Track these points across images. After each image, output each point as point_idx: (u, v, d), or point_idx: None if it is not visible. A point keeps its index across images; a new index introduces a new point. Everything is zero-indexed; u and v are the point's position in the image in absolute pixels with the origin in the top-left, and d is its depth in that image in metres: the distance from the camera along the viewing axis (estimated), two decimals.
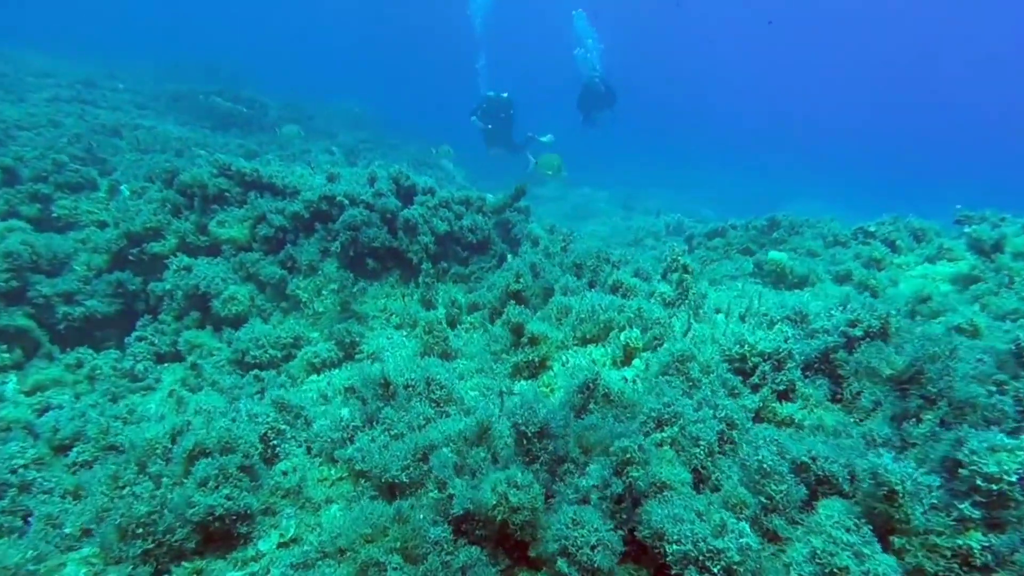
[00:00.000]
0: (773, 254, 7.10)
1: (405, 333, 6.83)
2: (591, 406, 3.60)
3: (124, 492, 3.46)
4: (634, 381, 4.00)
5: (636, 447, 2.85)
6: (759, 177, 31.82)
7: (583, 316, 4.49)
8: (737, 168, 34.47)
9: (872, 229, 7.79)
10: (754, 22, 50.14)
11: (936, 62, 52.30)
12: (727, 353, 3.79)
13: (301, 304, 7.15)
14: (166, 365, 7.07)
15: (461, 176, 21.92)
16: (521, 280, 5.77)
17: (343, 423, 4.04)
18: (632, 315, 4.39)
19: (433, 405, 4.10)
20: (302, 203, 7.49)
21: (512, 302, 5.81)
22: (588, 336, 4.48)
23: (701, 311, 4.82)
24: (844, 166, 37.17)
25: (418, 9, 48.72)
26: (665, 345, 4.23)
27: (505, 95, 18.32)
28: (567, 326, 4.65)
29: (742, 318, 4.83)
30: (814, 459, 2.85)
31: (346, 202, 7.51)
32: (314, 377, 6.41)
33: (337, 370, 6.49)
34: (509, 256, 7.68)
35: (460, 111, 19.67)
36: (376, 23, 51.71)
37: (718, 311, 5.11)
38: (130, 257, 7.54)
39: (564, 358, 4.39)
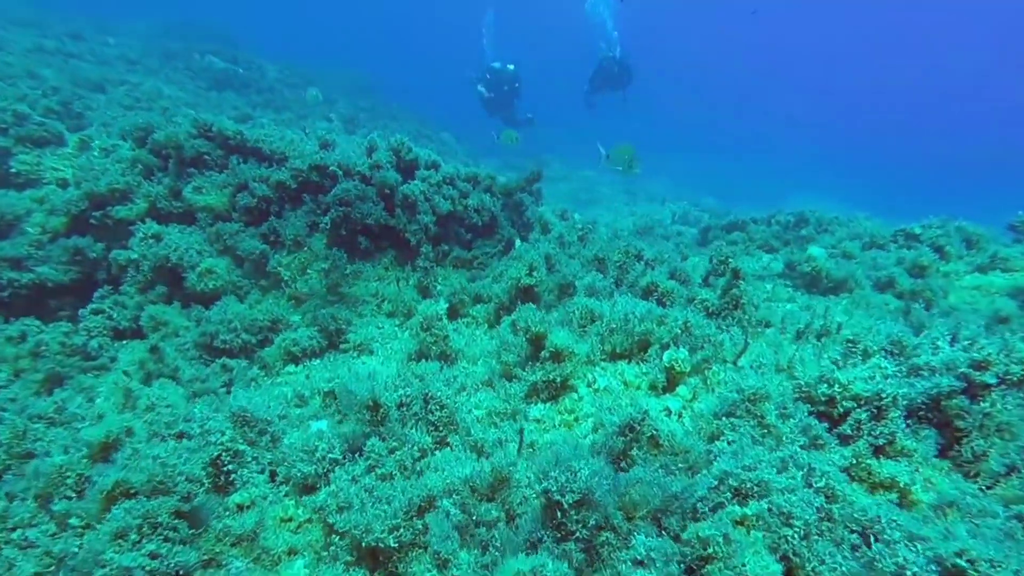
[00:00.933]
0: (815, 250, 6.20)
1: (398, 322, 5.89)
2: (634, 450, 2.71)
3: (14, 537, 2.54)
4: (680, 415, 3.11)
5: (721, 536, 1.96)
6: (760, 168, 30.86)
7: (614, 326, 3.59)
8: (735, 157, 33.49)
9: (917, 231, 6.89)
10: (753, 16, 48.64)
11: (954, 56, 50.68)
12: (808, 392, 2.91)
13: (283, 283, 6.18)
14: (125, 343, 6.10)
15: (463, 151, 20.83)
16: (535, 274, 4.84)
17: (318, 449, 3.12)
18: (678, 329, 3.49)
19: (431, 430, 3.20)
20: (289, 172, 6.48)
21: (522, 298, 4.90)
22: (619, 351, 3.59)
23: (757, 327, 3.94)
24: (848, 163, 36.20)
25: None
26: (715, 370, 3.34)
27: (511, 67, 17.14)
28: (593, 336, 3.75)
29: (799, 335, 3.94)
30: (972, 562, 1.98)
31: (340, 173, 6.51)
32: (291, 368, 5.48)
33: (319, 360, 5.56)
34: (518, 242, 6.73)
35: (462, 80, 18.50)
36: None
37: (766, 324, 4.22)
38: (92, 221, 6.51)
39: (590, 377, 3.50)
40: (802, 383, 2.93)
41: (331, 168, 6.48)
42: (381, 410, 3.16)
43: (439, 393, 3.31)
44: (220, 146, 6.86)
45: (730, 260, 4.18)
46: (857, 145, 44.87)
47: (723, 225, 8.85)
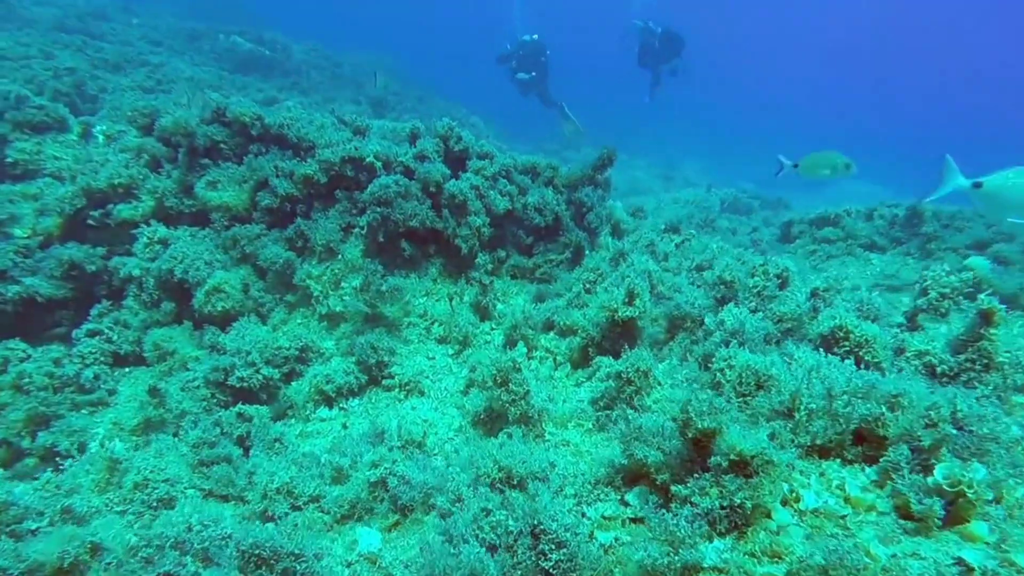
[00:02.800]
0: (977, 260, 4.80)
1: (452, 351, 4.62)
2: None
3: None
4: None
5: None
6: (793, 150, 28.81)
7: (811, 405, 2.28)
8: (765, 138, 31.40)
9: None
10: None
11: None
12: None
13: (312, 299, 4.94)
14: (127, 370, 4.95)
15: (493, 134, 19.36)
16: (637, 303, 3.52)
17: None
18: (935, 419, 2.12)
19: None
20: (318, 164, 5.19)
21: (619, 333, 3.59)
22: (821, 442, 2.28)
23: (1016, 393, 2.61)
24: (888, 145, 33.72)
25: None
26: (1019, 492, 2.02)
27: (535, 36, 15.49)
28: (766, 417, 2.44)
29: None
30: None
31: (378, 165, 5.21)
32: (324, 412, 4.27)
33: (357, 400, 4.34)
34: (586, 246, 5.40)
35: (495, 65, 16.95)
36: None
37: None
38: (90, 222, 5.32)
39: (787, 489, 2.20)
40: None
41: (368, 160, 5.17)
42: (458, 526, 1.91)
43: (552, 524, 2.05)
44: (238, 133, 5.58)
45: (981, 295, 2.73)
46: (886, 121, 42.15)
47: (811, 219, 7.40)
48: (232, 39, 17.97)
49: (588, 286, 4.53)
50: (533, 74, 14.72)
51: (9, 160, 6.51)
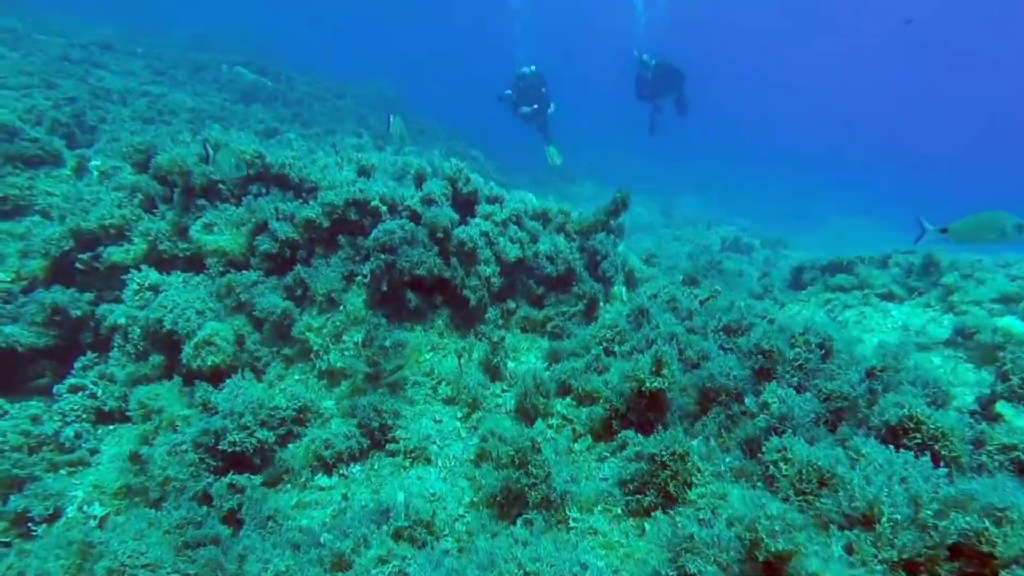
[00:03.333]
0: (1009, 321, 4.53)
1: (460, 414, 4.26)
2: None
3: None
4: None
5: None
6: (784, 185, 28.88)
7: (896, 516, 1.94)
8: (754, 173, 31.38)
9: None
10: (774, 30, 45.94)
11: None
12: None
13: (312, 353, 4.59)
14: (112, 427, 4.56)
15: (493, 169, 19.21)
16: (665, 372, 3.20)
17: None
18: None
19: None
20: (320, 207, 4.89)
21: (646, 406, 3.26)
22: (908, 558, 1.94)
23: None
24: (875, 178, 33.84)
25: None
26: None
27: (533, 68, 15.33)
28: (832, 524, 2.11)
29: None
30: None
31: (383, 208, 4.92)
32: (323, 480, 3.89)
33: (359, 467, 3.97)
34: (600, 298, 5.09)
35: (496, 101, 16.87)
36: (409, 6, 47.30)
37: None
38: (78, 266, 4.98)
39: None
40: None
41: (373, 203, 4.89)
42: None
43: None
44: None
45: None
46: (892, 159, 42.34)
47: (822, 265, 7.14)
48: (235, 69, 17.91)
49: (607, 345, 4.21)
50: (535, 106, 14.58)
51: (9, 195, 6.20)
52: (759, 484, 2.52)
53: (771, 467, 2.37)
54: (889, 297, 6.28)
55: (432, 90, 33.35)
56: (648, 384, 3.21)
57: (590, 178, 21.30)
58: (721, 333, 3.82)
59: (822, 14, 39.59)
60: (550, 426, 3.85)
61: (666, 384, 3.21)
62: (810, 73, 50.00)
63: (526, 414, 3.97)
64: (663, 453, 2.80)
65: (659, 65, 14.41)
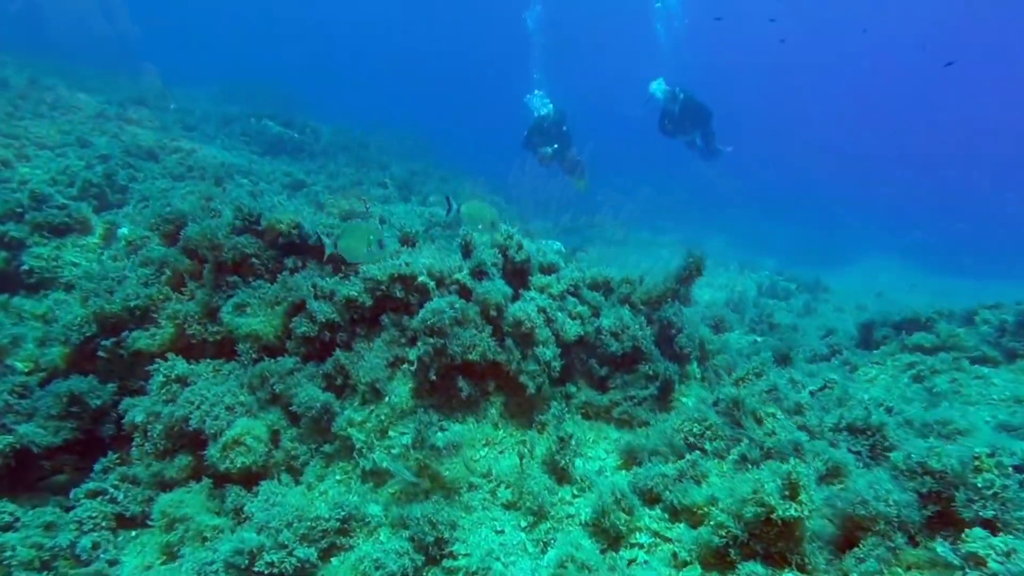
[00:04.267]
0: None
1: (525, 523, 3.64)
2: None
3: None
4: None
5: None
6: (807, 220, 28.09)
7: None
8: (775, 209, 30.59)
9: None
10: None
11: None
12: None
13: (354, 451, 4.02)
14: (134, 533, 4.00)
15: (515, 214, 18.82)
16: (803, 498, 2.57)
17: None
18: None
19: None
20: (362, 283, 4.39)
21: (774, 536, 2.62)
22: None
23: None
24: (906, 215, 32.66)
25: (474, 31, 43.58)
26: None
27: (550, 107, 14.92)
28: None
29: None
30: None
31: (431, 284, 4.40)
32: None
33: None
34: (675, 379, 4.48)
35: (520, 148, 16.52)
36: (431, 49, 47.49)
37: None
38: (101, 353, 4.50)
39: None
40: None
41: (420, 279, 4.38)
42: None
43: None
44: (271, 244, 4.85)
45: None
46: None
47: (895, 322, 6.46)
48: (263, 122, 17.90)
49: (693, 440, 3.59)
50: (556, 146, 14.24)
51: (24, 268, 5.81)
52: None
53: None
54: (983, 360, 5.59)
55: (455, 134, 33.36)
56: (781, 512, 2.58)
57: (611, 218, 20.78)
58: (843, 432, 3.18)
59: (843, 47, 39.29)
60: (639, 545, 3.21)
61: (805, 512, 2.58)
62: (831, 103, 49.40)
63: (606, 531, 3.34)
64: None
65: (687, 99, 13.89)
